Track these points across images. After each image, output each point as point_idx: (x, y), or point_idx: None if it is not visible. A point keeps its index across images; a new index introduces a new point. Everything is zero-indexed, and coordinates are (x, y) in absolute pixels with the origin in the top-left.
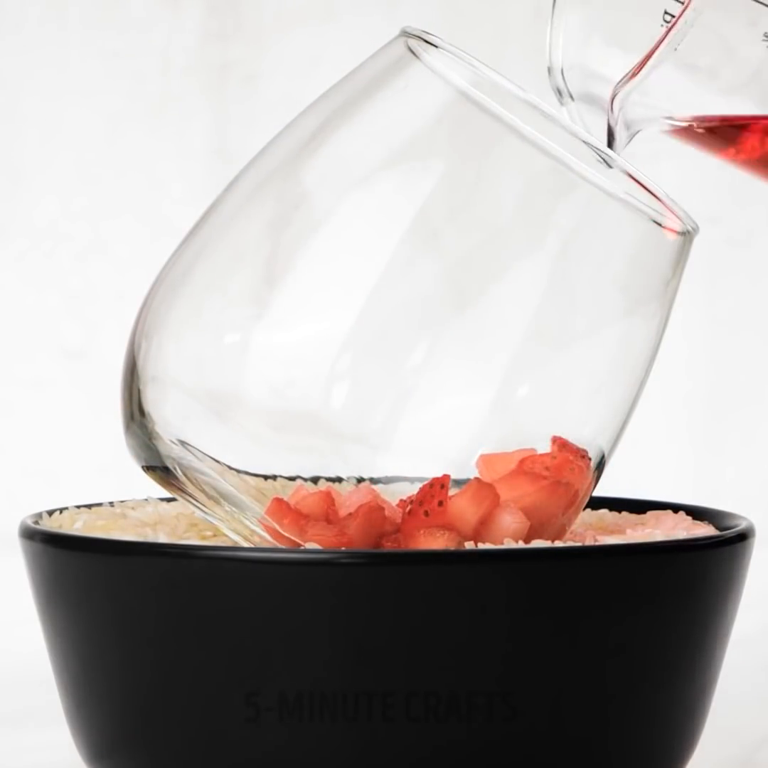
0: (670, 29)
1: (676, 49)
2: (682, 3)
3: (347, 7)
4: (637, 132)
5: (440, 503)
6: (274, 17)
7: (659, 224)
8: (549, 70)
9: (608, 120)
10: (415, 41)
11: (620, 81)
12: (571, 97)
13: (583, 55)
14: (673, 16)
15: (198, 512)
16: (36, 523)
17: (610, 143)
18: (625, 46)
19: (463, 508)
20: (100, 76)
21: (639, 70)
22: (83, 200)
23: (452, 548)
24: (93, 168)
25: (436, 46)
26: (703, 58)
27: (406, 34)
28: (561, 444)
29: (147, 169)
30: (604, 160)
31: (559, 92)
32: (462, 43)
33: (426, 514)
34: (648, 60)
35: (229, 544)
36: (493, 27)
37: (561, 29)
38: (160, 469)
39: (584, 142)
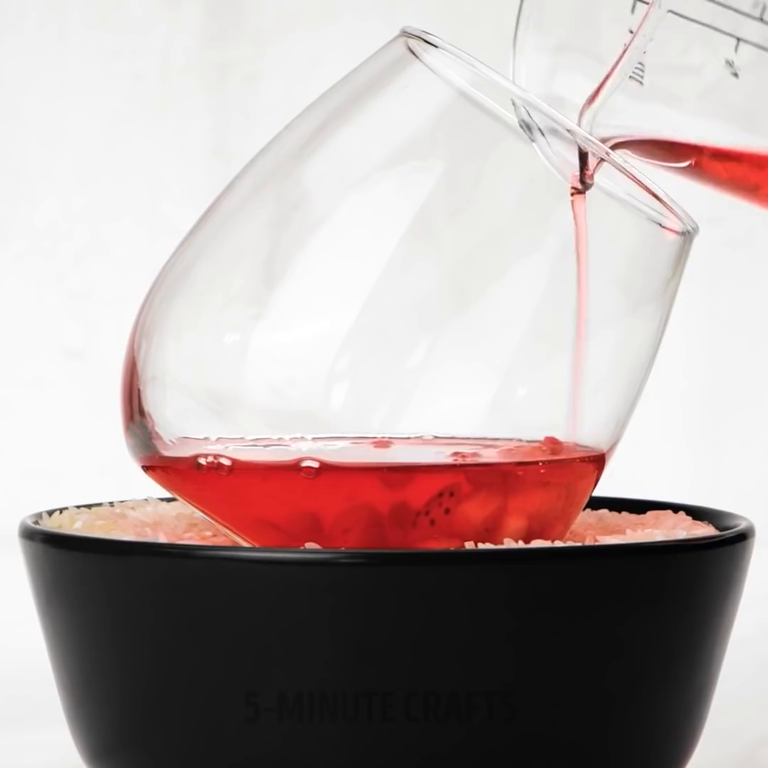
0: (623, 54)
1: (630, 75)
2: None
3: (347, 9)
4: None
5: (447, 511)
6: (274, 18)
7: (659, 224)
8: (513, 103)
9: (578, 145)
10: (415, 41)
11: (583, 106)
12: (541, 132)
13: (550, 85)
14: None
15: (198, 512)
16: (36, 523)
17: (582, 169)
18: (591, 71)
19: (469, 514)
20: (100, 77)
21: (597, 94)
22: (83, 201)
23: (452, 548)
24: (93, 168)
25: (435, 46)
26: (660, 76)
27: (405, 34)
28: (556, 444)
29: (147, 170)
30: (603, 158)
31: (528, 127)
32: (462, 45)
33: (432, 523)
34: (604, 83)
35: (229, 544)
36: (493, 28)
37: (524, 63)
38: (160, 468)
39: (585, 141)
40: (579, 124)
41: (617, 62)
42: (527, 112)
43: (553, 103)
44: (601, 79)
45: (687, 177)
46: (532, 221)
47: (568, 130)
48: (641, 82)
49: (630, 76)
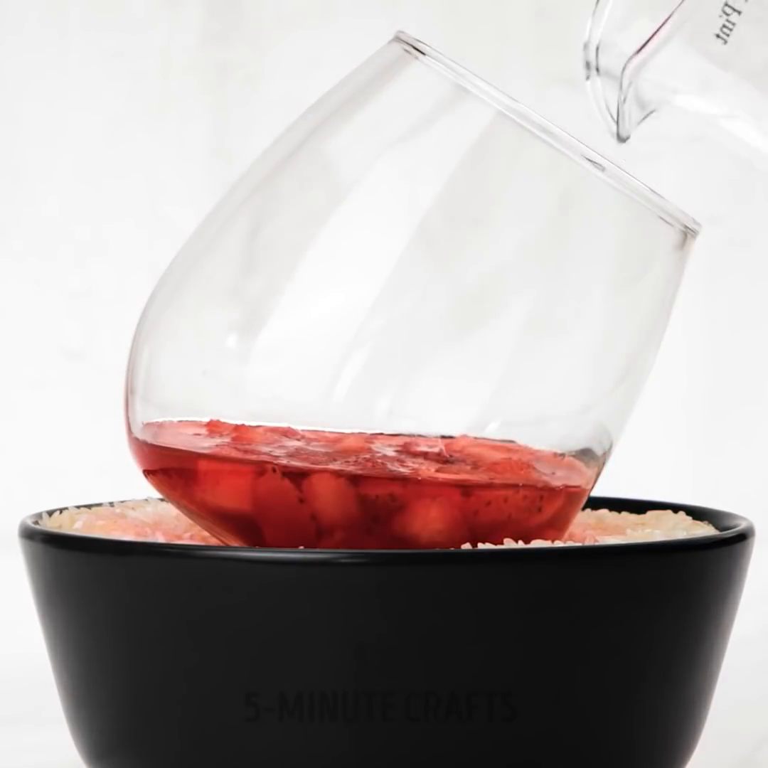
0: (677, 7)
1: (681, 28)
2: None
3: (347, 8)
4: (651, 112)
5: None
6: (274, 18)
7: (662, 221)
8: (584, 44)
9: (618, 96)
10: (408, 47)
11: (632, 54)
12: (597, 70)
13: (622, 35)
14: None
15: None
16: (36, 523)
17: (619, 122)
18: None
19: (417, 524)
20: (100, 76)
21: (646, 45)
22: (83, 201)
23: (452, 548)
24: (93, 168)
25: (424, 54)
26: (715, 40)
27: (399, 40)
28: (511, 450)
29: (147, 170)
30: (598, 164)
31: (588, 65)
32: (462, 44)
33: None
34: (656, 35)
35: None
36: (493, 27)
37: (607, 6)
38: (160, 471)
39: (580, 146)
40: (623, 75)
41: (671, 14)
42: (596, 53)
43: (622, 56)
44: (654, 28)
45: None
46: (531, 221)
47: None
48: (726, 41)
49: (717, 35)
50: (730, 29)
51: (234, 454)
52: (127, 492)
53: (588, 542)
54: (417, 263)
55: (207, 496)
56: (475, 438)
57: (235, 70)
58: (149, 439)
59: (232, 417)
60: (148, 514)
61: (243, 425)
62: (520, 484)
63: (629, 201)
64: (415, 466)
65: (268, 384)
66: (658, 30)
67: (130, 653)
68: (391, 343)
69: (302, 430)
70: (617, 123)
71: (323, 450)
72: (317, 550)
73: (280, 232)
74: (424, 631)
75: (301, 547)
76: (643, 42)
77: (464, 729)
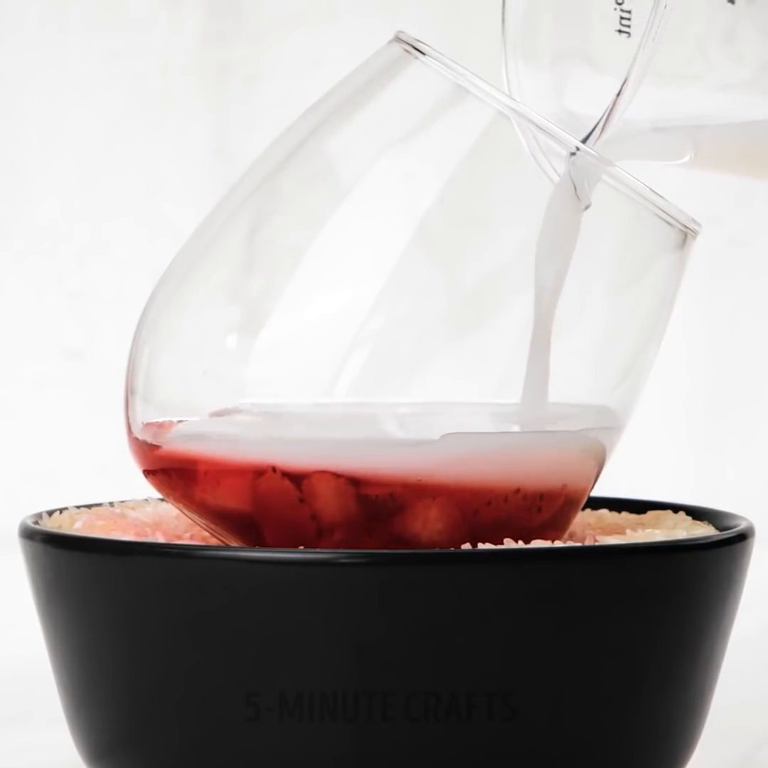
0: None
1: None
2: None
3: (347, 8)
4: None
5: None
6: (274, 18)
7: (663, 222)
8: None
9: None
10: (408, 47)
11: (594, 134)
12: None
13: (561, 103)
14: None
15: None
16: (36, 523)
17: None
18: (595, 78)
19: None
20: (100, 76)
21: (608, 120)
22: (83, 201)
23: (452, 548)
24: (93, 168)
25: (424, 54)
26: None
27: (398, 40)
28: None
29: (147, 170)
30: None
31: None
32: (462, 43)
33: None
34: (613, 111)
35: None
36: (493, 27)
37: (524, 88)
38: (160, 472)
39: (577, 149)
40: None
41: (623, 85)
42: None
43: (568, 118)
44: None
45: (689, 168)
46: (529, 219)
47: (576, 149)
48: (629, 34)
49: (619, 31)
50: (629, 20)
51: (233, 457)
52: (127, 492)
53: (588, 542)
54: (417, 263)
55: (207, 496)
56: None
57: (235, 70)
58: (149, 439)
59: (230, 419)
60: (148, 514)
61: None
62: (520, 484)
63: (629, 201)
64: None
65: (268, 384)
66: (614, 103)
67: (130, 653)
68: (391, 343)
69: (308, 439)
70: (577, 194)
71: (316, 465)
72: (317, 550)
73: (280, 231)
74: (424, 631)
75: (301, 547)
76: (603, 116)
77: (464, 729)
